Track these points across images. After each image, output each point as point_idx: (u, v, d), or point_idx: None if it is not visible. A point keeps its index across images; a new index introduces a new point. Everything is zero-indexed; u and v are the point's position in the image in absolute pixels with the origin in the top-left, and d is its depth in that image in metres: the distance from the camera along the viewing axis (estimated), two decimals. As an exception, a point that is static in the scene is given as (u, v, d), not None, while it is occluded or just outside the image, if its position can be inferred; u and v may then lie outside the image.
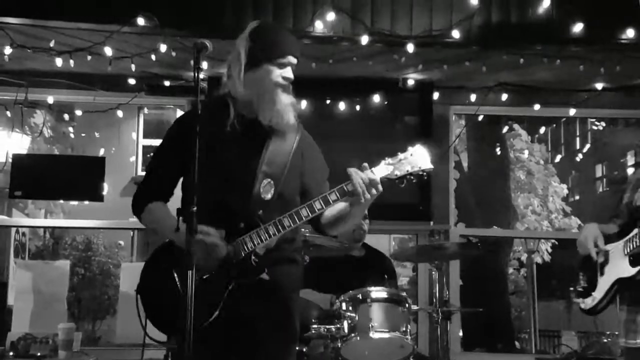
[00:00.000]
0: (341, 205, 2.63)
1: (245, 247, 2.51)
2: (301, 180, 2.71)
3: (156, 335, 2.65)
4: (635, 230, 3.02)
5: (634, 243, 3.01)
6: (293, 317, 2.69)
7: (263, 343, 2.57)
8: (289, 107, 2.65)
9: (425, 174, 2.56)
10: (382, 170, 2.53)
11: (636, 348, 3.06)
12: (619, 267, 3.10)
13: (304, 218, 2.52)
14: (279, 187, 2.60)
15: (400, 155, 2.55)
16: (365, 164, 2.53)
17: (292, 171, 2.66)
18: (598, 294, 3.21)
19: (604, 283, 3.19)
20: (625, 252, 3.05)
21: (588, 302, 3.27)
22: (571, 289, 3.52)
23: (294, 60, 2.66)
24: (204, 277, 2.50)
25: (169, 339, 2.67)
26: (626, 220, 3.17)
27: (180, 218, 2.34)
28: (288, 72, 2.64)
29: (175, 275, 2.52)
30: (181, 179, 2.69)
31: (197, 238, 2.30)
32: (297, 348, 2.76)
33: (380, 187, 2.51)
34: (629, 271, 3.04)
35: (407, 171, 2.53)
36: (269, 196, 2.58)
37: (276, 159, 2.63)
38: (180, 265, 2.46)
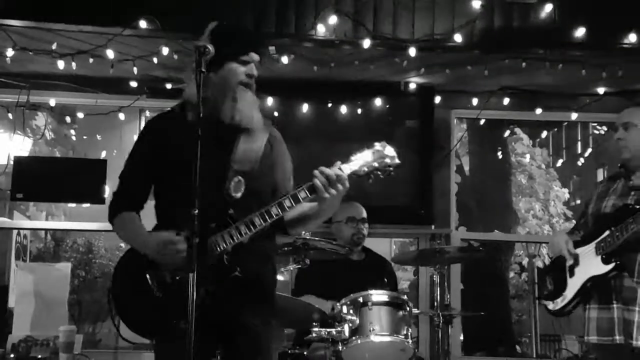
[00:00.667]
0: (307, 205, 2.62)
1: (218, 247, 2.49)
2: (271, 177, 2.72)
3: (130, 336, 2.66)
4: (607, 232, 3.22)
5: (607, 242, 3.21)
6: (268, 314, 2.68)
7: (243, 341, 2.57)
8: (251, 104, 2.65)
9: (392, 170, 2.56)
10: (350, 166, 2.54)
11: (611, 345, 3.19)
12: (591, 266, 3.27)
13: (274, 216, 2.50)
14: (250, 185, 2.59)
15: (367, 151, 2.56)
16: (338, 162, 2.54)
17: (262, 168, 2.66)
18: (569, 293, 3.37)
19: (575, 283, 3.36)
20: (598, 252, 3.24)
21: (558, 302, 3.43)
22: (543, 292, 3.64)
23: (256, 57, 2.65)
24: (177, 277, 2.50)
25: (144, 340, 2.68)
26: (590, 231, 3.39)
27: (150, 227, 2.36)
28: (251, 69, 2.64)
29: (148, 277, 2.52)
30: (153, 187, 2.71)
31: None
32: (276, 345, 2.76)
33: (346, 183, 2.51)
34: (601, 269, 3.22)
35: (375, 167, 2.54)
36: (239, 194, 2.57)
37: (246, 157, 2.63)
38: (152, 268, 2.51)
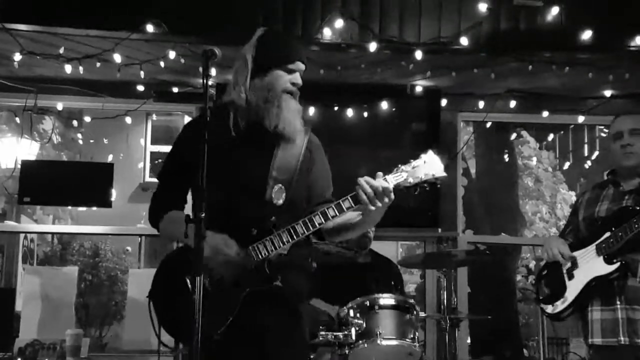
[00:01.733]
0: (348, 214, 2.59)
1: (259, 254, 2.49)
2: (310, 184, 2.70)
3: (167, 341, 2.66)
4: (608, 233, 3.24)
5: (609, 243, 3.22)
6: (303, 324, 2.69)
7: (275, 351, 2.56)
8: (296, 113, 2.65)
9: (439, 181, 2.52)
10: (396, 178, 2.50)
11: (616, 346, 3.19)
12: (593, 268, 3.28)
13: (317, 225, 2.49)
14: (290, 193, 2.59)
15: (414, 163, 2.51)
16: (380, 173, 2.50)
17: (301, 176, 2.66)
18: (570, 295, 3.37)
19: (575, 285, 3.36)
20: (600, 253, 3.26)
21: (558, 305, 3.42)
22: (540, 297, 3.63)
23: (302, 66, 2.66)
24: (216, 279, 2.50)
25: (178, 345, 2.67)
26: (585, 235, 3.42)
27: (189, 225, 2.33)
28: (297, 78, 2.64)
29: (188, 281, 2.50)
30: (191, 187, 2.69)
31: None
32: (309, 354, 2.75)
33: (392, 196, 2.47)
34: (605, 269, 3.23)
35: (421, 179, 2.50)
36: (280, 202, 2.56)
37: (286, 165, 2.62)
38: (191, 272, 2.48)
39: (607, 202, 3.39)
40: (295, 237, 2.49)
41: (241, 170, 2.57)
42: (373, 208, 2.47)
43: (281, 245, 2.49)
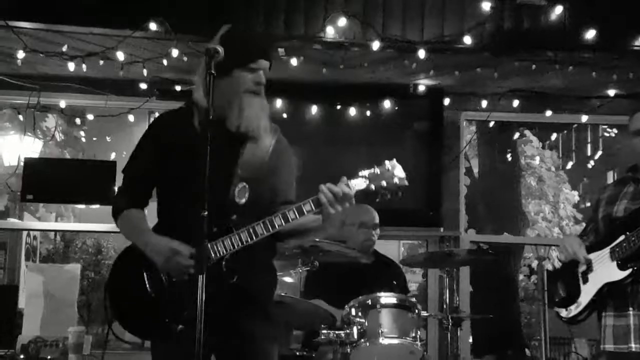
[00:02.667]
0: (307, 218, 2.56)
1: (217, 252, 2.48)
2: (274, 184, 2.69)
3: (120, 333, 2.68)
4: (622, 237, 3.11)
5: (623, 248, 3.10)
6: (269, 319, 2.68)
7: (237, 347, 2.57)
8: (259, 111, 2.62)
9: (400, 190, 2.51)
10: (358, 183, 2.49)
11: (627, 353, 3.11)
12: (606, 273, 3.17)
13: (277, 227, 2.48)
14: (254, 192, 2.58)
15: (377, 169, 2.51)
16: (344, 177, 2.50)
17: (266, 176, 2.65)
18: (583, 300, 3.26)
19: (589, 289, 3.25)
20: (613, 258, 3.13)
21: (572, 309, 3.32)
22: (555, 299, 3.52)
23: (265, 63, 2.62)
24: (173, 279, 2.50)
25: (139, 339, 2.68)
26: (602, 236, 3.29)
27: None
28: (259, 77, 2.61)
29: (145, 276, 2.52)
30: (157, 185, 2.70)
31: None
32: (277, 349, 2.73)
33: (353, 201, 2.48)
34: (617, 275, 3.11)
35: (382, 186, 2.49)
36: (243, 201, 2.56)
37: (251, 163, 2.61)
38: (150, 268, 2.50)
39: (626, 201, 3.27)
40: (254, 237, 2.48)
41: (206, 168, 2.52)
42: (332, 211, 2.48)
43: (239, 244, 2.47)
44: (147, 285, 2.52)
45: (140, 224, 2.65)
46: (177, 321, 2.45)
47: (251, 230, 2.48)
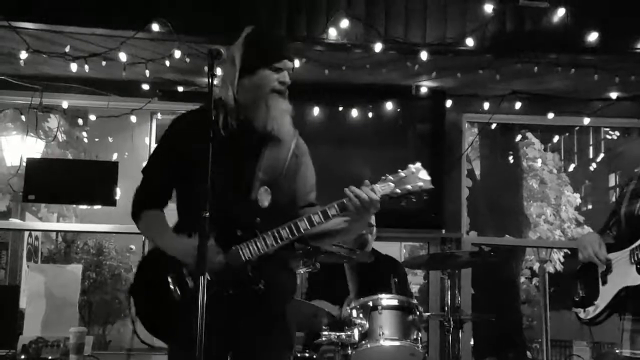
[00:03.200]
0: (334, 221, 2.56)
1: (243, 256, 2.47)
2: (294, 188, 2.69)
3: (145, 337, 2.63)
4: None
5: None
6: (287, 326, 2.68)
7: (256, 351, 2.56)
8: (284, 113, 2.62)
9: (425, 193, 2.51)
10: (383, 188, 2.49)
11: None
12: (625, 276, 3.04)
13: (302, 230, 2.48)
14: (276, 195, 2.57)
15: (401, 173, 2.51)
16: (367, 181, 2.49)
17: (287, 179, 2.64)
18: (601, 302, 3.16)
19: (607, 292, 3.15)
20: (633, 261, 3.00)
21: (590, 311, 3.22)
22: (574, 298, 3.40)
23: (289, 64, 2.63)
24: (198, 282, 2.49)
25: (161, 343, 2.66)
26: (623, 234, 3.15)
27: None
28: (284, 77, 2.60)
29: (170, 279, 2.50)
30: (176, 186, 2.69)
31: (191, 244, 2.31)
32: (291, 356, 2.73)
33: (378, 205, 2.47)
34: (636, 280, 2.98)
35: (408, 190, 2.49)
36: (265, 203, 2.55)
37: (273, 166, 2.61)
38: (174, 270, 2.48)
39: None
40: (279, 241, 2.47)
41: (229, 170, 2.53)
42: (357, 217, 2.49)
43: (265, 248, 2.47)
44: (172, 288, 2.50)
45: (161, 225, 2.62)
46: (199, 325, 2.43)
47: (276, 234, 2.47)
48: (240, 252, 2.46)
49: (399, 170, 2.52)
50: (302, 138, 2.79)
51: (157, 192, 2.69)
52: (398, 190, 2.49)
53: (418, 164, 2.53)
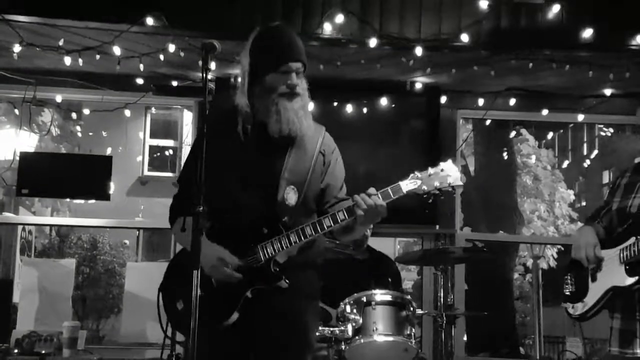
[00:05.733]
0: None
1: (266, 253, 2.52)
2: (321, 186, 2.72)
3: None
4: (632, 239, 2.96)
5: (631, 252, 2.94)
6: (310, 324, 2.70)
7: (279, 349, 2.58)
8: (298, 112, 2.62)
9: (453, 190, 2.55)
10: (409, 185, 2.53)
11: (632, 358, 3.01)
12: (614, 276, 3.03)
13: (326, 228, 2.53)
14: (302, 194, 2.61)
15: (430, 170, 2.55)
16: (372, 189, 2.53)
17: (314, 179, 2.67)
18: (590, 300, 3.16)
19: (596, 290, 3.14)
20: (622, 261, 2.99)
21: (578, 308, 3.22)
22: (566, 292, 3.38)
23: (296, 65, 2.63)
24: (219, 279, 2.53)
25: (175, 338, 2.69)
26: (613, 230, 3.14)
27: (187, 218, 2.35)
28: (292, 79, 2.61)
29: (194, 274, 2.53)
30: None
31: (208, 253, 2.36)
32: (310, 355, 2.73)
33: (385, 212, 2.52)
34: (625, 280, 2.97)
35: (436, 187, 2.53)
36: (292, 203, 2.59)
37: (298, 166, 2.64)
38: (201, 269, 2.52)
39: None
40: (303, 238, 2.53)
41: (253, 173, 2.59)
42: (363, 222, 2.55)
43: (288, 245, 2.52)
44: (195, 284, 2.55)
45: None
46: (220, 321, 2.50)
47: (300, 232, 2.53)
48: (263, 250, 2.52)
49: (428, 168, 2.57)
50: (331, 137, 2.83)
51: (190, 197, 2.72)
52: (425, 187, 2.54)
53: (449, 162, 2.58)
